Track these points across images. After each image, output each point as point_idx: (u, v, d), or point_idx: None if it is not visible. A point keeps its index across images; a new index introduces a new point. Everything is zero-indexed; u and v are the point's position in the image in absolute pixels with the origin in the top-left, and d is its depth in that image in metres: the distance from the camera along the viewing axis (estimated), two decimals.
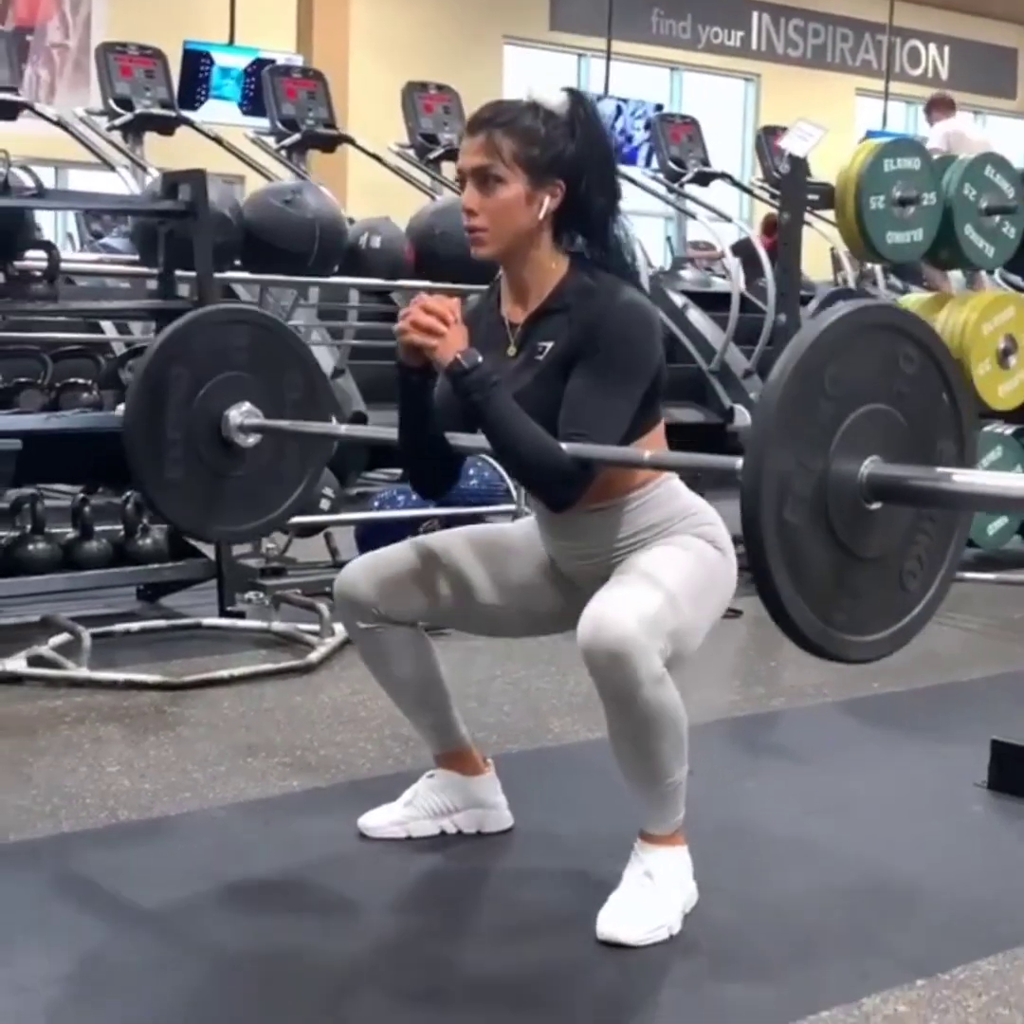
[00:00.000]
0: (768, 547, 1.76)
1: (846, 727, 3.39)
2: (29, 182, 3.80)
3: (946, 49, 18.36)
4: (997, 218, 5.24)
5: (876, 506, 1.84)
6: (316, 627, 3.81)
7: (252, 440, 2.88)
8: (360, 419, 5.82)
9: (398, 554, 2.40)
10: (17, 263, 3.82)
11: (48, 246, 3.84)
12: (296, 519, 4.52)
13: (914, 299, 5.63)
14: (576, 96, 2.23)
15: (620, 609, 2.09)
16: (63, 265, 4.07)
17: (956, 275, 6.14)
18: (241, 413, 2.85)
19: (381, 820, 2.54)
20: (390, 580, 2.37)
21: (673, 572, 2.18)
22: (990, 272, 5.77)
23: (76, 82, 10.49)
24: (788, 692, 3.60)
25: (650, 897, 2.18)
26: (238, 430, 2.86)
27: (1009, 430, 5.54)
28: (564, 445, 2.11)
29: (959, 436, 1.95)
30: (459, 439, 2.30)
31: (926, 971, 2.05)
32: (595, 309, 2.16)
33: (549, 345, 2.19)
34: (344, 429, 2.96)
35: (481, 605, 2.40)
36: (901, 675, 3.78)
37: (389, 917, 2.31)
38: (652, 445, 2.24)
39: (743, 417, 6.64)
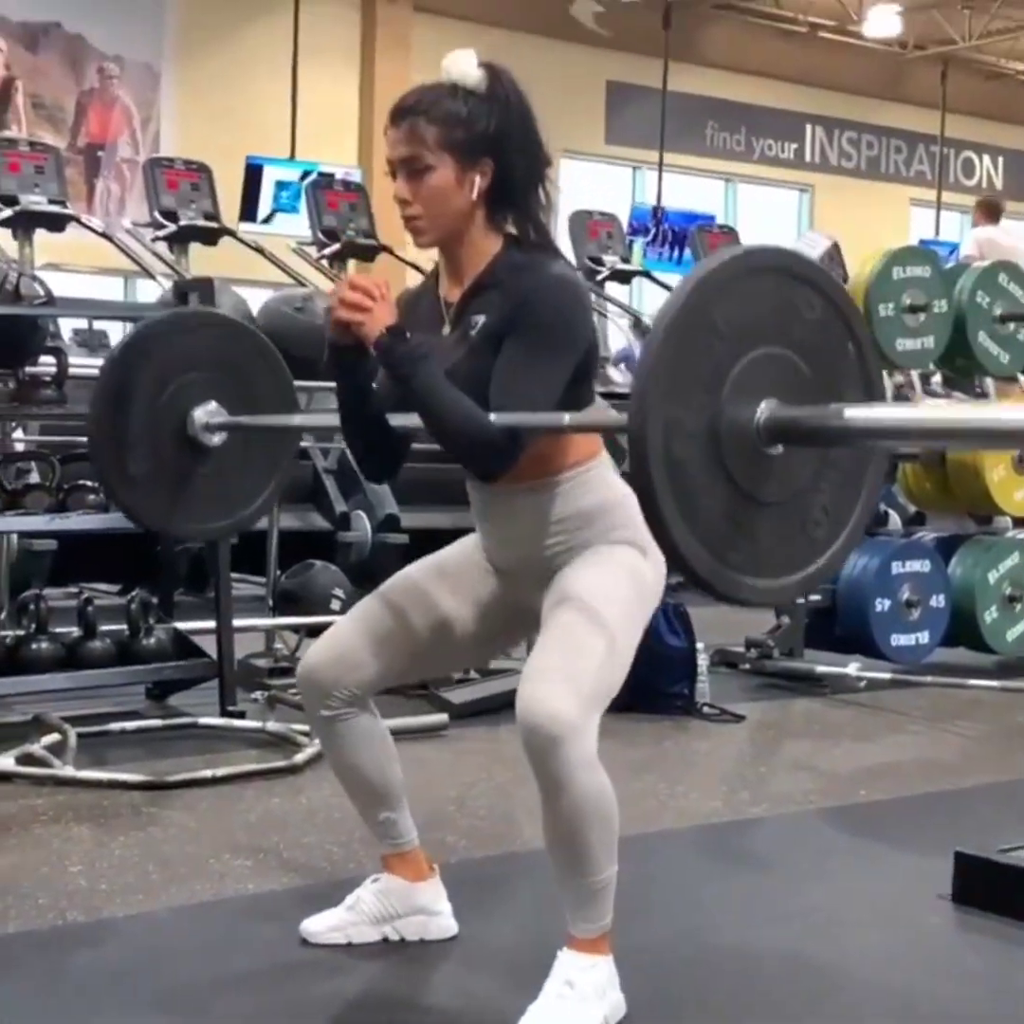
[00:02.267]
0: (657, 484, 1.75)
1: (823, 836, 3.31)
2: (40, 291, 3.93)
3: (1000, 159, 18.55)
4: (1012, 325, 5.22)
5: (776, 450, 1.82)
6: (309, 727, 3.82)
7: (218, 439, 2.89)
8: (393, 522, 5.89)
9: (342, 627, 2.41)
10: (28, 368, 3.95)
11: (57, 352, 3.97)
12: (306, 619, 4.58)
13: (931, 404, 5.61)
14: (493, 70, 2.24)
15: (555, 687, 2.08)
16: (83, 370, 4.20)
17: None
18: (206, 412, 2.87)
19: (322, 925, 2.52)
20: (343, 653, 2.36)
21: (608, 612, 2.16)
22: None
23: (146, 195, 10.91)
24: (773, 799, 3.54)
25: (569, 1008, 2.15)
26: (204, 429, 2.87)
27: None
28: (493, 415, 2.12)
29: (866, 386, 1.92)
30: (398, 419, 2.30)
31: None
32: (525, 283, 2.17)
33: (481, 319, 2.20)
34: (299, 419, 2.98)
35: (432, 646, 2.38)
36: (893, 783, 3.71)
37: None
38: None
39: None
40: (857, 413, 1.83)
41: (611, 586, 2.20)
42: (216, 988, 2.39)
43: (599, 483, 2.26)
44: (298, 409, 3.23)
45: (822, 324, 1.86)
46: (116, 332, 10.00)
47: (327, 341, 2.24)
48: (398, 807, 2.48)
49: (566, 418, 2.13)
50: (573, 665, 2.11)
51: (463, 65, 2.22)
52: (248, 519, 3.12)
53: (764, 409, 1.81)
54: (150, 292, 9.61)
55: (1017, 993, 2.41)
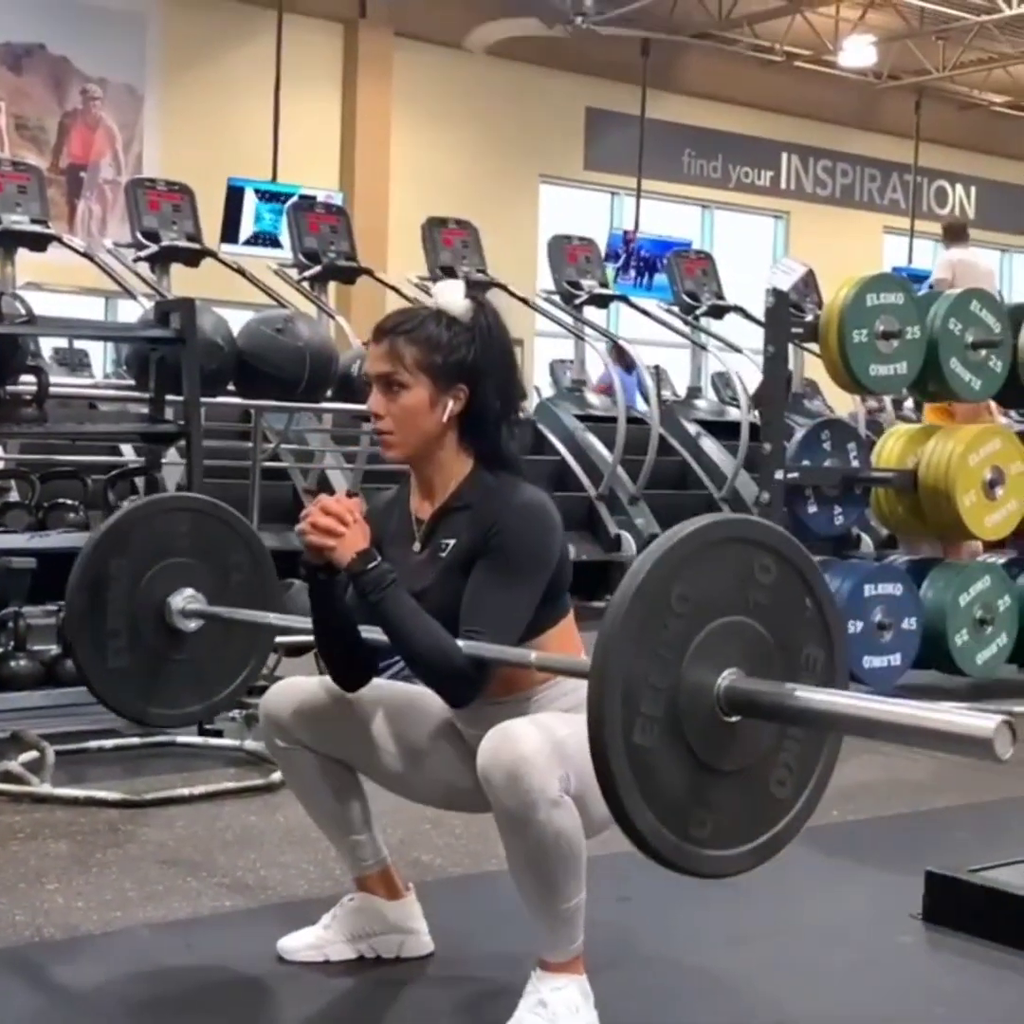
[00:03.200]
0: (617, 773, 1.76)
1: (796, 856, 3.24)
2: (21, 310, 3.95)
3: (972, 189, 18.86)
4: (983, 352, 5.28)
5: (736, 718, 1.84)
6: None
7: (194, 625, 2.93)
8: None
9: (316, 690, 2.43)
10: (9, 387, 3.96)
11: (38, 371, 3.99)
12: (285, 639, 4.60)
13: (903, 430, 5.67)
14: (479, 303, 2.30)
15: (521, 733, 2.10)
16: (62, 389, 4.23)
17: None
18: (183, 598, 2.91)
19: (299, 943, 2.54)
20: (307, 713, 2.41)
21: (572, 727, 2.15)
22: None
23: (127, 216, 10.97)
24: None
25: None
26: (180, 615, 2.91)
27: (1001, 560, 5.52)
28: (461, 643, 2.15)
29: (828, 641, 1.95)
30: (373, 633, 2.32)
31: None
32: (494, 508, 2.22)
33: (452, 542, 2.25)
34: (274, 618, 2.99)
35: (385, 766, 2.43)
36: (864, 803, 3.74)
37: None
38: (561, 637, 2.28)
39: None
40: (809, 695, 1.83)
41: (572, 717, 2.17)
42: (193, 1005, 2.40)
43: (573, 686, 2.24)
44: (278, 592, 3.24)
45: (779, 585, 1.89)
46: (96, 351, 10.09)
47: (300, 560, 2.27)
48: (365, 830, 2.50)
49: (532, 656, 2.16)
50: (538, 725, 2.14)
51: (451, 295, 2.29)
52: (222, 703, 3.15)
53: (724, 679, 1.83)
54: (131, 312, 9.67)
55: (988, 1011, 2.44)
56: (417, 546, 2.31)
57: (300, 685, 2.46)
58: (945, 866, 2.82)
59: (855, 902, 2.97)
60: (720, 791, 1.85)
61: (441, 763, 2.41)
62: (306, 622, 2.54)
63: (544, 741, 2.09)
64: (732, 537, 1.88)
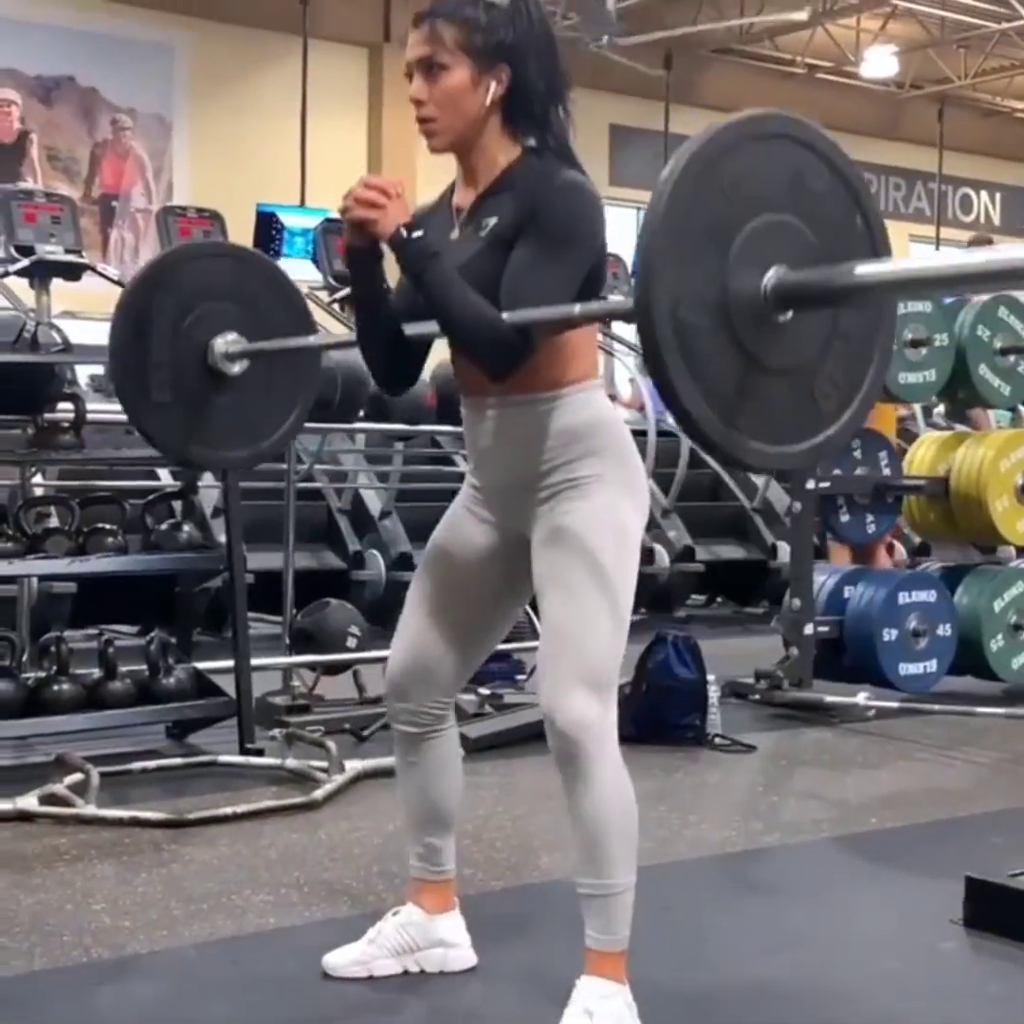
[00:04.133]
0: (663, 344, 1.75)
1: (834, 863, 3.35)
2: (57, 338, 4.01)
3: (997, 195, 18.80)
4: (1012, 358, 5.30)
5: (785, 317, 1.82)
6: (326, 764, 3.87)
7: (238, 368, 2.89)
8: (406, 560, 5.95)
9: (407, 622, 2.46)
10: (46, 415, 4.02)
11: (75, 398, 4.04)
12: (323, 657, 4.64)
13: (934, 437, 5.68)
14: None
15: (574, 690, 2.17)
16: (98, 415, 4.28)
17: (1000, 414, 6.18)
18: (226, 342, 2.87)
19: (344, 959, 2.55)
20: (420, 649, 2.43)
21: (604, 577, 2.20)
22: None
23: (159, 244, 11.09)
24: (785, 828, 3.58)
25: None
26: (224, 358, 2.87)
27: None
28: (504, 313, 2.12)
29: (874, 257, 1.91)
30: (414, 327, 2.31)
31: None
32: (538, 185, 2.18)
33: (492, 221, 2.21)
34: (315, 339, 2.97)
35: (474, 608, 2.43)
36: (902, 810, 3.74)
37: None
38: (587, 339, 2.28)
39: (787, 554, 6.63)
40: (868, 269, 1.81)
41: (604, 553, 2.21)
42: (243, 1022, 2.42)
43: (591, 402, 2.27)
44: (314, 330, 3.21)
45: (830, 195, 1.86)
46: None
47: (343, 245, 2.27)
48: (446, 836, 2.54)
49: (576, 309, 2.10)
50: (585, 660, 2.19)
51: None
52: (269, 449, 3.10)
53: (772, 275, 1.80)
54: None
55: None
56: (456, 233, 2.27)
57: (398, 643, 2.46)
58: (984, 871, 2.82)
59: (895, 909, 2.97)
60: (766, 385, 1.85)
61: (490, 567, 2.40)
62: (348, 335, 2.54)
63: (593, 683, 2.17)
64: (786, 134, 1.84)
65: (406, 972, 2.53)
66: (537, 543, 2.27)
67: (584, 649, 2.19)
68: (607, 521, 2.23)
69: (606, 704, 2.20)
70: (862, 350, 1.95)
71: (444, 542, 2.46)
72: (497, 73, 2.22)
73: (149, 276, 2.93)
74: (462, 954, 2.57)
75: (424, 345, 2.40)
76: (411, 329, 2.33)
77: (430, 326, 2.26)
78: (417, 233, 2.16)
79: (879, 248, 1.94)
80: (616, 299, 2.34)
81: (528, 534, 2.29)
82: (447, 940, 2.56)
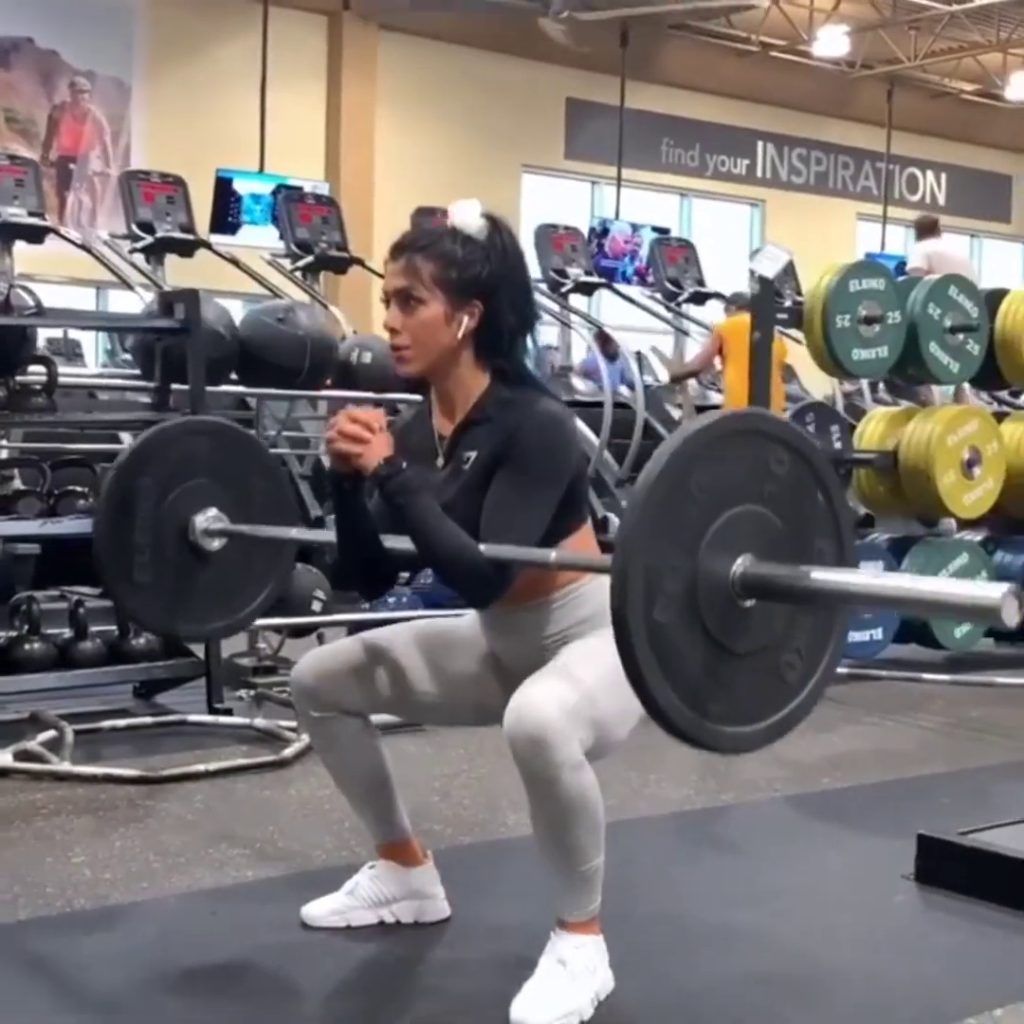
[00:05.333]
0: (637, 646, 1.85)
1: (790, 821, 3.48)
2: (30, 301, 4.04)
3: (943, 176, 19.13)
4: (961, 336, 5.42)
5: (750, 603, 1.93)
6: (295, 724, 3.95)
7: (218, 544, 3.01)
8: None
9: (344, 648, 2.54)
10: (18, 377, 4.05)
11: (47, 361, 4.07)
12: (289, 620, 4.71)
13: (882, 412, 5.82)
14: (494, 221, 2.37)
15: (541, 698, 2.20)
16: (66, 379, 4.31)
17: (945, 390, 6.34)
18: (207, 519, 2.99)
19: (322, 910, 2.64)
20: (336, 672, 2.50)
21: (593, 666, 2.28)
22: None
23: (116, 208, 11.02)
24: (741, 787, 3.69)
25: (562, 984, 2.26)
26: (204, 534, 2.99)
27: (977, 538, 5.68)
28: (482, 547, 2.23)
29: (836, 534, 2.03)
30: (391, 542, 2.41)
31: None
32: (513, 419, 2.29)
33: (473, 455, 2.32)
34: (295, 532, 3.11)
35: (422, 697, 2.52)
36: (852, 771, 3.88)
37: (322, 1004, 2.41)
38: (579, 544, 2.36)
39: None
40: (825, 575, 1.93)
41: (596, 650, 2.28)
42: (225, 969, 2.50)
43: (593, 594, 2.34)
44: (295, 513, 3.34)
45: (792, 477, 1.98)
46: (88, 342, 10.13)
47: (327, 470, 2.36)
48: (389, 802, 2.61)
49: (552, 555, 2.24)
50: (562, 686, 2.24)
51: (467, 214, 2.35)
52: (246, 619, 3.23)
53: (740, 565, 1.91)
54: (121, 302, 9.73)
55: (982, 965, 2.56)
56: (440, 461, 2.37)
57: (327, 651, 2.55)
58: (933, 830, 2.94)
59: (849, 864, 3.10)
60: (734, 671, 1.94)
61: (473, 684, 2.50)
62: (326, 535, 2.63)
63: (562, 704, 2.19)
64: (748, 430, 1.96)
65: (382, 923, 2.62)
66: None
67: (565, 682, 2.24)
68: (606, 647, 2.26)
69: (571, 725, 2.19)
70: (825, 620, 2.05)
71: (441, 633, 2.54)
72: (470, 308, 2.32)
73: (130, 461, 3.02)
74: (437, 905, 2.66)
75: (401, 556, 2.45)
76: (392, 544, 2.40)
77: (407, 542, 2.33)
78: (399, 467, 2.25)
79: (840, 522, 2.04)
80: (592, 554, 2.45)
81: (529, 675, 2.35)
82: (422, 892, 2.65)
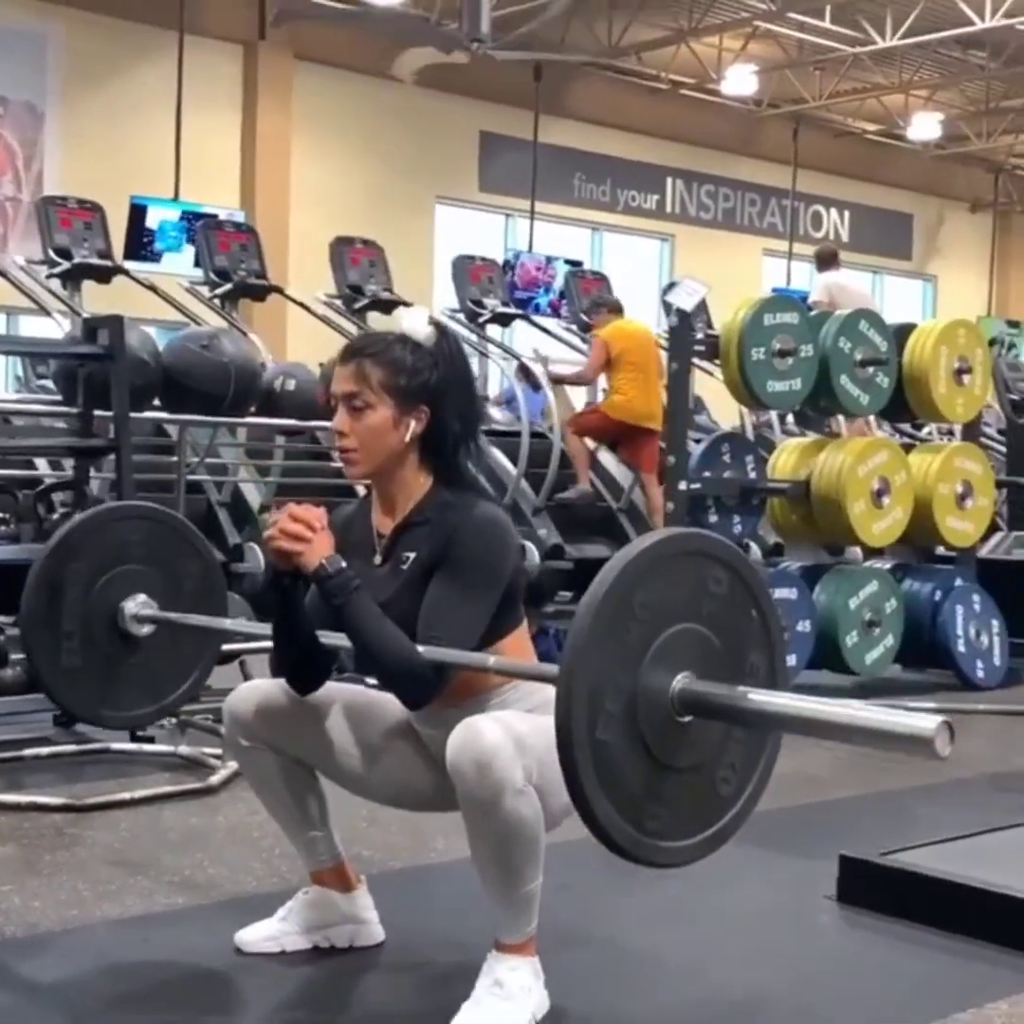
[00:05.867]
0: (581, 766, 1.90)
1: None
2: None
3: (846, 213, 19.65)
4: (871, 369, 5.57)
5: (688, 719, 1.99)
6: (220, 751, 3.94)
7: (147, 630, 3.02)
8: None
9: (278, 692, 2.53)
10: None
11: None
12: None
13: (795, 443, 5.95)
14: (441, 329, 2.43)
15: (487, 727, 2.24)
16: None
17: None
18: (137, 604, 3.00)
19: (256, 935, 2.64)
20: (272, 714, 2.52)
21: (532, 724, 2.29)
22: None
23: (28, 233, 10.92)
24: None
25: (499, 1004, 2.30)
26: (133, 620, 3.00)
27: (886, 566, 5.83)
28: (420, 648, 2.26)
29: (769, 648, 2.12)
30: (328, 638, 2.44)
31: None
32: (453, 522, 2.34)
33: (412, 556, 2.37)
34: (229, 623, 3.12)
35: (342, 765, 2.54)
36: (772, 795, 3.87)
37: None
38: (515, 644, 2.41)
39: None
40: (763, 698, 2.00)
41: (534, 717, 2.30)
42: (159, 996, 2.49)
43: (530, 689, 2.38)
44: (224, 599, 3.34)
45: (728, 596, 2.05)
46: None
47: (265, 565, 2.39)
48: (322, 827, 2.62)
49: (490, 661, 2.27)
50: (504, 720, 2.26)
51: (415, 321, 2.42)
52: (172, 705, 3.25)
53: (679, 682, 1.98)
54: (34, 328, 9.59)
55: (904, 981, 2.64)
56: (379, 559, 2.42)
57: (263, 687, 2.56)
58: (854, 850, 3.01)
59: (772, 885, 3.16)
60: (672, 786, 2.00)
61: (397, 763, 2.53)
62: (258, 627, 2.65)
63: (508, 735, 2.23)
64: (691, 550, 2.03)
65: (316, 947, 2.62)
66: None
67: (508, 720, 2.26)
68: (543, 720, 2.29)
69: (517, 749, 2.21)
70: (758, 734, 2.12)
71: (371, 705, 2.55)
72: (417, 413, 2.38)
73: (62, 543, 3.02)
74: (371, 930, 2.67)
75: (334, 651, 2.49)
76: (328, 640, 2.43)
77: (343, 638, 2.35)
78: (339, 567, 2.27)
79: (773, 638, 2.13)
80: (534, 662, 2.50)
81: None
82: (356, 916, 2.66)
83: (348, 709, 2.55)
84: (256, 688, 2.57)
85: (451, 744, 2.25)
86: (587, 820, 1.94)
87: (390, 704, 2.52)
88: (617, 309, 8.11)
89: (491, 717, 2.29)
